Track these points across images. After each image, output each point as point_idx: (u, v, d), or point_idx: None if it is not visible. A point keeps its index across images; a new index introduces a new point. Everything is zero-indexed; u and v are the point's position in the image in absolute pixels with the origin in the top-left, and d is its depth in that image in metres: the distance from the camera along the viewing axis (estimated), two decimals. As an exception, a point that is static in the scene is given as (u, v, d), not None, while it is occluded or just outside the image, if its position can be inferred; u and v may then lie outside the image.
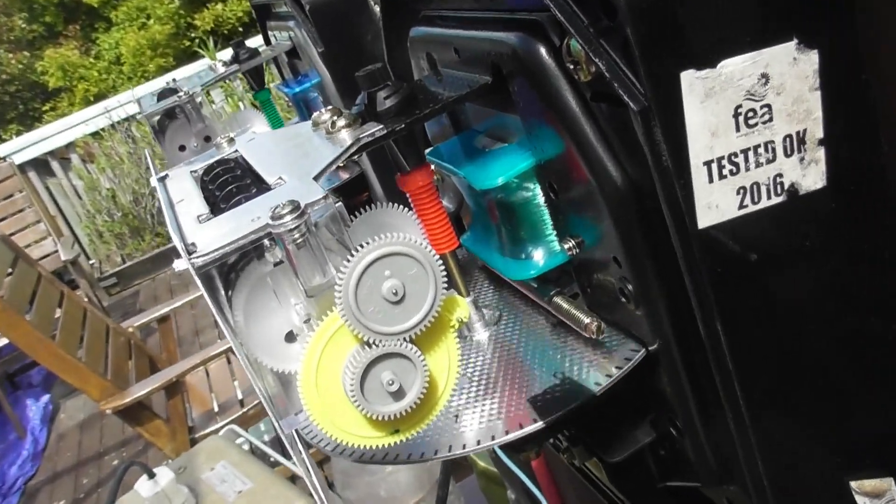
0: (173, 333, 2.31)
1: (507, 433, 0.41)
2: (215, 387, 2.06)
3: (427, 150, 0.60)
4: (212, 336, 2.99)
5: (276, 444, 2.11)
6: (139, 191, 3.92)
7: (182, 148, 0.79)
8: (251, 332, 0.37)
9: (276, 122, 0.87)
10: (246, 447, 1.72)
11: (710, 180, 0.34)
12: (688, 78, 0.32)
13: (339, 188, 0.84)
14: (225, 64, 0.79)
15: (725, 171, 0.34)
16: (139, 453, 2.46)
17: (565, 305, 0.47)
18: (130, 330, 2.19)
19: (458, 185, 0.56)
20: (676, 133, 0.33)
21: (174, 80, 0.84)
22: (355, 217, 0.43)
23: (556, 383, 0.44)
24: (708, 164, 0.34)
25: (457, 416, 0.44)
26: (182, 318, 3.09)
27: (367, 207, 0.43)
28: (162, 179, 0.46)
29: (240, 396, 1.99)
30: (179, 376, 1.84)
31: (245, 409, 1.91)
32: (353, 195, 0.85)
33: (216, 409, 1.97)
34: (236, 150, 0.49)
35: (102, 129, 3.92)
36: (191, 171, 0.47)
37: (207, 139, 0.80)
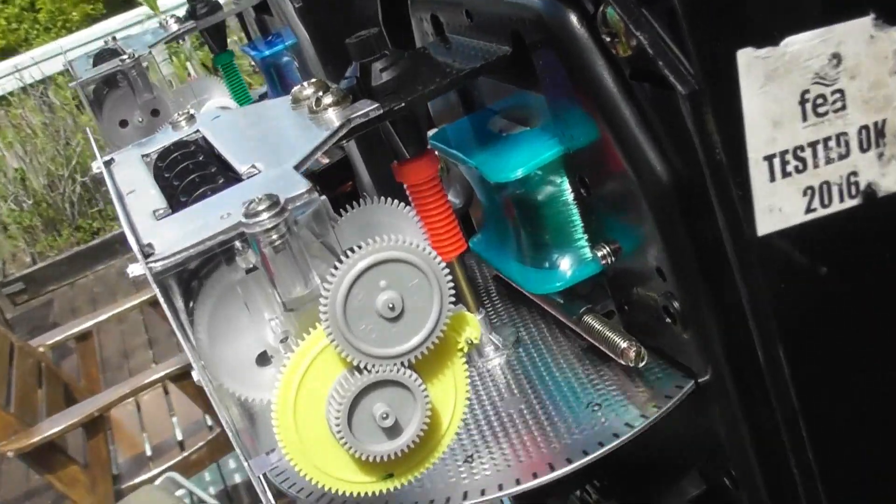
0: (96, 355, 2.33)
1: (525, 480, 0.43)
2: (148, 424, 2.08)
3: (431, 133, 0.62)
4: (144, 358, 3.01)
5: (225, 497, 2.13)
6: (56, 172, 3.94)
7: (124, 123, 0.81)
8: (216, 352, 0.38)
9: (239, 93, 0.89)
10: (187, 501, 1.74)
11: (772, 178, 0.36)
12: (745, 57, 0.34)
13: (316, 176, 0.86)
14: (178, 20, 0.82)
15: (790, 168, 0.36)
16: (49, 508, 2.47)
17: (597, 326, 0.49)
18: (41, 350, 2.20)
19: (468, 176, 0.59)
20: (732, 122, 0.35)
21: (113, 38, 0.86)
22: (342, 214, 0.45)
23: (586, 421, 0.46)
24: (769, 158, 0.36)
25: (467, 459, 0.45)
26: (107, 335, 3.11)
27: (354, 203, 0.45)
28: (108, 164, 0.49)
29: (179, 437, 2.00)
30: (102, 410, 1.85)
31: (186, 454, 1.92)
32: (333, 185, 0.87)
33: (149, 452, 1.98)
34: (197, 131, 0.50)
35: (11, 94, 3.94)
36: (142, 155, 0.49)
37: (155, 113, 0.82)
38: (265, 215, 0.34)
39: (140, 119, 0.82)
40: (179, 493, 1.72)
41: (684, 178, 0.39)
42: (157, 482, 1.76)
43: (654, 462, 0.49)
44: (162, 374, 1.90)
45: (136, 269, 0.35)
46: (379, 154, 0.75)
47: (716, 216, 0.37)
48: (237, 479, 2.23)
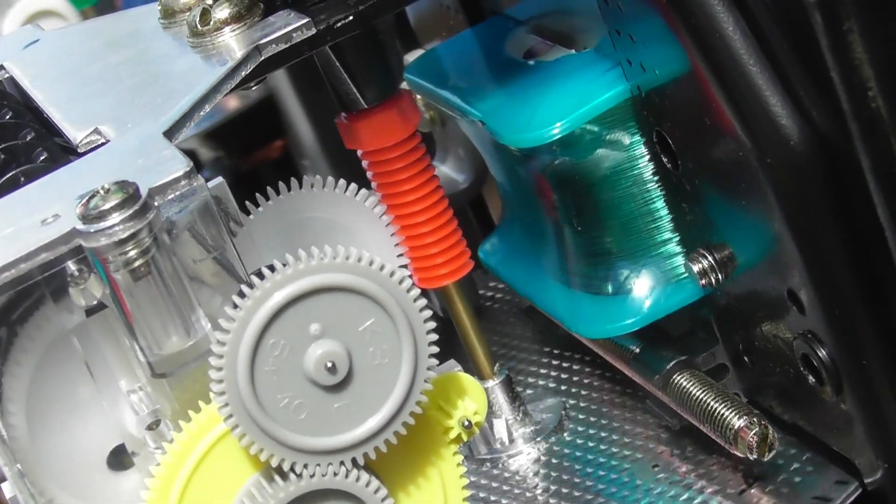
0: None
1: None
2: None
3: (409, 63, 0.61)
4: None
5: None
6: None
7: None
8: (41, 447, 0.39)
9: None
10: None
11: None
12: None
13: (224, 131, 0.86)
14: None
15: None
16: None
17: (696, 393, 0.48)
18: None
19: (474, 138, 0.58)
20: (893, 45, 0.35)
21: None
22: (255, 209, 0.45)
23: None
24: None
25: None
26: None
27: (281, 186, 0.45)
28: None
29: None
30: None
31: None
32: (249, 148, 0.87)
33: None
34: (2, 69, 0.50)
35: None
36: None
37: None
38: (115, 217, 0.34)
39: None
40: None
41: (828, 140, 0.39)
42: None
43: None
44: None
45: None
46: (323, 92, 0.74)
47: (874, 202, 0.37)
48: None
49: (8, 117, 0.45)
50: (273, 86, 0.82)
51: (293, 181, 0.46)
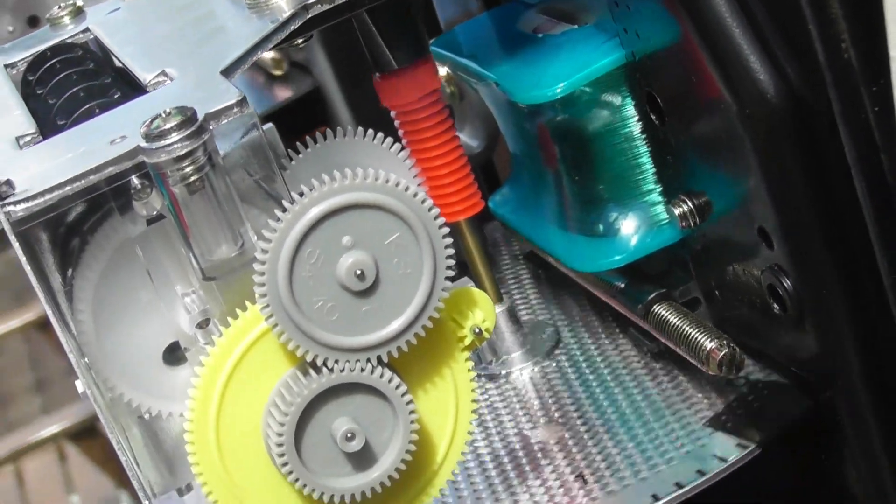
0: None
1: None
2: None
3: (433, 40, 0.63)
4: (29, 408, 3.04)
5: None
6: None
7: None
8: (106, 343, 0.39)
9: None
10: None
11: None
12: None
13: (277, 117, 0.88)
14: None
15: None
16: None
17: (673, 320, 0.50)
18: None
19: (488, 100, 0.60)
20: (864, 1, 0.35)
21: None
22: (296, 155, 0.46)
23: (656, 455, 0.47)
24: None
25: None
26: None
27: (316, 137, 0.47)
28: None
29: (81, 520, 2.02)
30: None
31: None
32: (299, 129, 0.89)
33: (36, 543, 2.00)
34: (87, 30, 0.52)
35: None
36: (5, 65, 0.51)
37: (34, 21, 0.83)
38: (174, 136, 0.35)
39: (10, 28, 0.84)
40: None
41: (801, 95, 0.39)
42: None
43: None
44: (55, 429, 1.91)
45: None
46: (363, 83, 0.76)
47: (843, 146, 0.38)
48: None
49: (91, 66, 0.47)
50: (320, 80, 0.85)
51: (328, 131, 0.47)
